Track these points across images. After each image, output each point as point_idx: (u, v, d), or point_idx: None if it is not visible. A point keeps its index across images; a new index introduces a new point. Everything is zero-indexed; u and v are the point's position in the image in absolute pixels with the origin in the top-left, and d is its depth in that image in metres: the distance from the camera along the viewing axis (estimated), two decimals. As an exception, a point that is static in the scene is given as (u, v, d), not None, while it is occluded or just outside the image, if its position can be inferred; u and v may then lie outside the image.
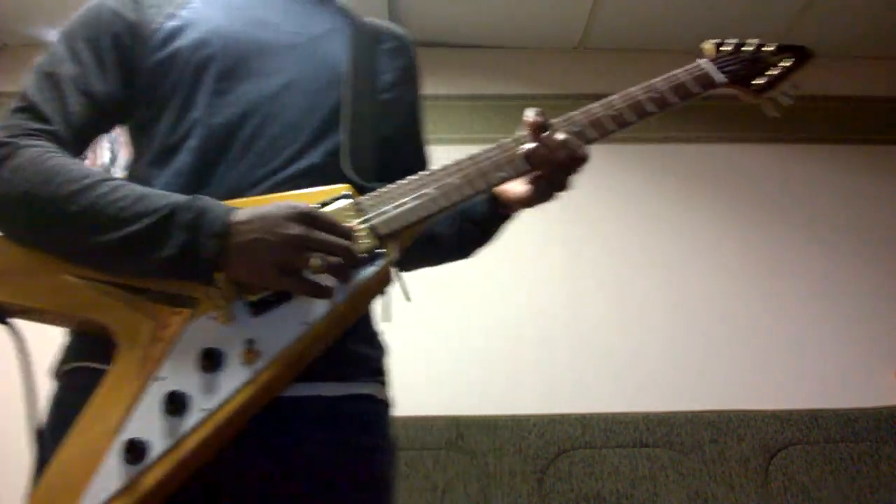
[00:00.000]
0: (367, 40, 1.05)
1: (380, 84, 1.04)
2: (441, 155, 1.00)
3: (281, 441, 0.82)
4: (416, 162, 1.12)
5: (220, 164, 0.88)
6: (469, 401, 2.20)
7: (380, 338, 0.99)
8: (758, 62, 1.00)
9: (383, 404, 0.95)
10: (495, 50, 2.71)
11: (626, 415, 2.14)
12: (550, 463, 2.06)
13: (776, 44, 1.01)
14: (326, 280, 0.77)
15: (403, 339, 2.35)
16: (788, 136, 2.69)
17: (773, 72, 0.99)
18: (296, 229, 0.75)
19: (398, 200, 0.86)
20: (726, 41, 1.01)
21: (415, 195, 0.86)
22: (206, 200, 0.78)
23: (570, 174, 0.92)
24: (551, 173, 0.91)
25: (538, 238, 2.48)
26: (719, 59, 1.00)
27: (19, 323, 0.82)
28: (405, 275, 1.09)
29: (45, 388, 0.86)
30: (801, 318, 2.41)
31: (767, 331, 2.38)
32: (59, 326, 0.86)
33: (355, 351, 0.92)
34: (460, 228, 1.05)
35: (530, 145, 0.89)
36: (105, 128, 0.94)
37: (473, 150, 0.92)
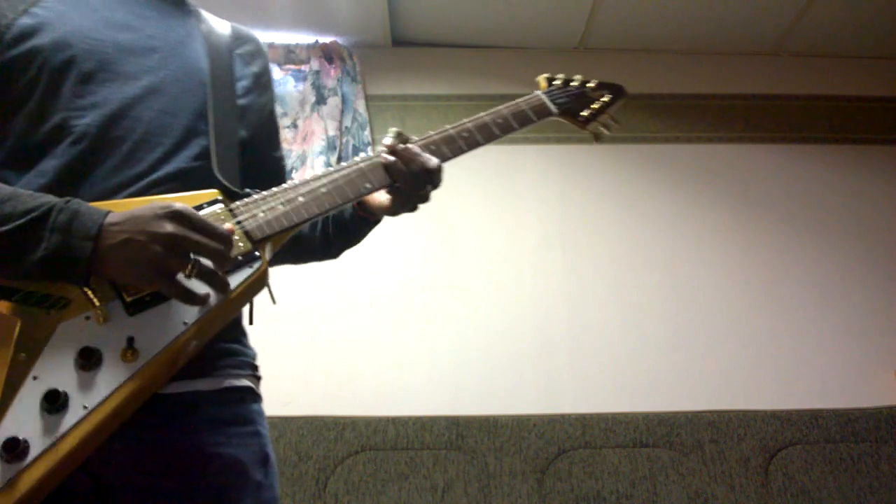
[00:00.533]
0: (223, 45, 1.07)
1: (237, 89, 1.05)
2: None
3: (166, 432, 0.85)
4: (273, 167, 1.14)
5: (84, 168, 0.87)
6: (469, 401, 2.20)
7: (248, 339, 1.02)
8: (582, 96, 1.14)
9: (259, 398, 1.00)
10: (495, 50, 2.71)
11: (625, 415, 2.14)
12: (550, 463, 2.06)
13: (596, 81, 1.15)
14: (199, 284, 0.79)
15: (404, 339, 2.36)
16: (788, 135, 2.69)
17: (595, 106, 1.13)
18: (169, 227, 0.76)
19: (271, 206, 0.89)
20: (556, 76, 1.15)
21: (286, 202, 0.90)
22: (78, 203, 0.78)
23: (426, 185, 0.98)
24: (409, 184, 0.97)
25: (538, 238, 2.48)
26: (552, 91, 1.12)
27: None
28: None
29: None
30: (801, 318, 2.41)
31: (767, 331, 2.38)
32: None
33: (228, 348, 0.95)
34: (326, 232, 1.09)
35: (390, 158, 0.96)
36: None
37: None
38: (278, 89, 2.51)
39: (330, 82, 2.54)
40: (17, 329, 0.76)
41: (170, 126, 0.93)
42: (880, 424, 2.13)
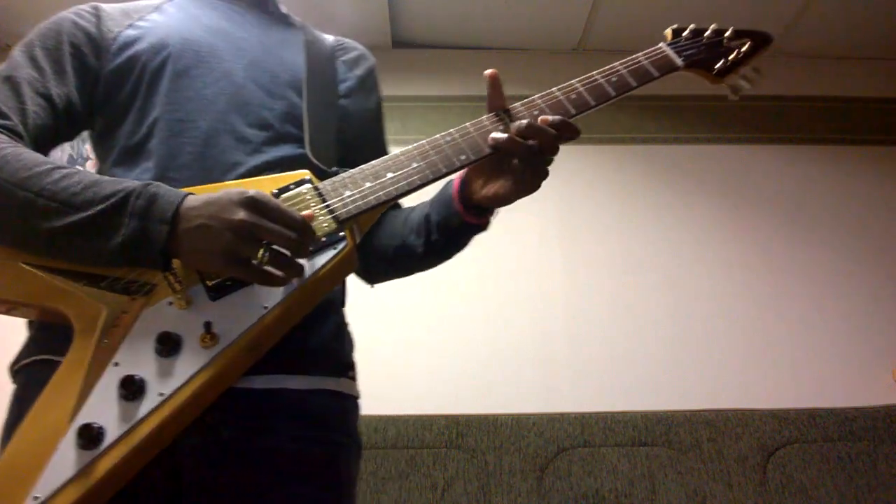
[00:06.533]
0: (325, 51, 1.11)
1: (340, 90, 1.08)
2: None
3: (245, 431, 0.83)
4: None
5: (182, 161, 0.90)
6: (469, 399, 2.21)
7: (348, 332, 1.00)
8: (716, 47, 1.00)
9: (351, 399, 0.96)
10: (495, 51, 2.72)
11: (624, 414, 2.15)
12: (550, 461, 2.07)
13: (732, 28, 1.00)
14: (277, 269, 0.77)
15: (404, 338, 2.37)
16: (788, 136, 2.70)
17: (732, 56, 0.99)
18: (240, 214, 0.74)
19: (358, 185, 0.86)
20: (685, 26, 1.01)
21: (374, 179, 0.86)
22: (158, 186, 0.78)
23: (545, 160, 0.89)
24: (527, 160, 0.87)
25: (538, 237, 2.49)
26: (677, 43, 0.99)
27: None
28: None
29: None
30: (799, 317, 2.42)
31: (766, 330, 2.39)
32: (21, 316, 0.85)
33: (322, 346, 0.92)
34: (431, 240, 1.03)
35: (498, 134, 0.87)
36: (65, 133, 0.95)
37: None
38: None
39: (331, 83, 2.55)
40: (102, 315, 0.77)
41: (262, 120, 0.96)
42: (878, 424, 2.14)
